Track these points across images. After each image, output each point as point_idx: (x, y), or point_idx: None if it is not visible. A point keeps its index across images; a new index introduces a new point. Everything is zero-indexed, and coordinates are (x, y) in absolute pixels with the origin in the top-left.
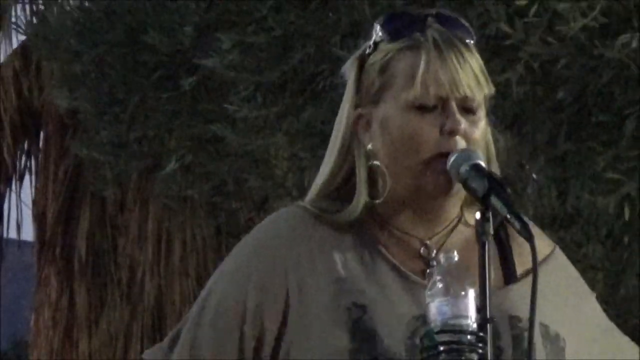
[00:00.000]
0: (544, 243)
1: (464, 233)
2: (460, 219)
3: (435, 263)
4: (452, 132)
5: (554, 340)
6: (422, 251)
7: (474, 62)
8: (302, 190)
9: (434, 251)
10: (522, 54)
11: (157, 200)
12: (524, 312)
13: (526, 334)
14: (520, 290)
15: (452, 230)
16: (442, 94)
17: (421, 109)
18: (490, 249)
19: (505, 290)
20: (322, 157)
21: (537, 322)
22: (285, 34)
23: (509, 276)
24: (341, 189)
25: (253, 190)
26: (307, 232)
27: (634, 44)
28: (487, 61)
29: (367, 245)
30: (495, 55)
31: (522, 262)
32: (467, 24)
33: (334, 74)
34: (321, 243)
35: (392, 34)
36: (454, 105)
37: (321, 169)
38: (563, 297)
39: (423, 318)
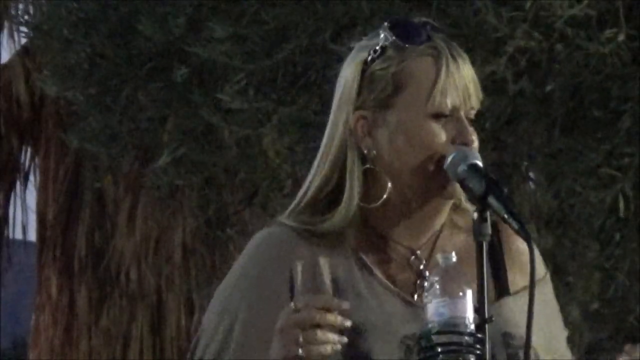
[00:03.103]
0: (540, 265)
1: (452, 239)
2: (443, 225)
3: (427, 273)
4: (466, 144)
5: None
6: (411, 260)
7: (473, 72)
8: (295, 183)
9: (424, 261)
10: (507, 48)
11: (149, 192)
12: (517, 328)
13: (521, 353)
14: (514, 305)
15: (437, 237)
16: (456, 103)
17: (436, 116)
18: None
19: (497, 304)
20: (314, 150)
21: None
22: (278, 26)
23: (501, 289)
24: (330, 196)
25: (245, 182)
26: (294, 254)
27: (620, 39)
28: (486, 59)
29: (356, 261)
30: (481, 47)
31: (521, 276)
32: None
33: (326, 67)
34: (308, 263)
35: (403, 39)
36: (463, 115)
37: (312, 174)
38: (544, 322)
39: (415, 337)
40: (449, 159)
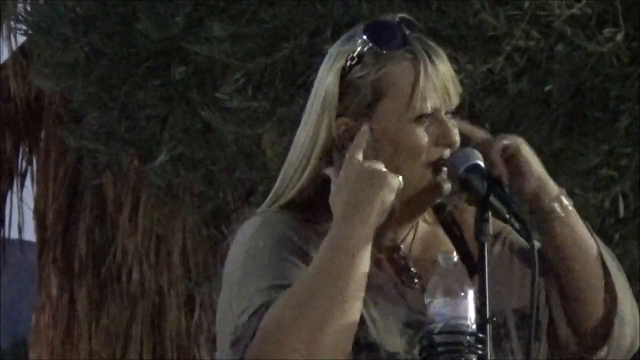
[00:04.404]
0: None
1: (423, 230)
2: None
3: (412, 264)
4: (448, 145)
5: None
6: (396, 255)
7: (451, 68)
8: None
9: (406, 253)
10: (505, 47)
11: (149, 191)
12: (496, 305)
13: (502, 331)
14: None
15: (415, 229)
16: (436, 105)
17: (419, 120)
18: (446, 242)
19: (474, 283)
20: None
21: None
22: (277, 25)
23: (474, 267)
24: (311, 198)
25: (243, 181)
26: (298, 232)
27: (619, 38)
28: (485, 59)
29: None
30: (480, 47)
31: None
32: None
33: None
34: (309, 246)
35: (380, 45)
36: (444, 115)
37: (289, 178)
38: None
39: (414, 324)
40: (450, 160)
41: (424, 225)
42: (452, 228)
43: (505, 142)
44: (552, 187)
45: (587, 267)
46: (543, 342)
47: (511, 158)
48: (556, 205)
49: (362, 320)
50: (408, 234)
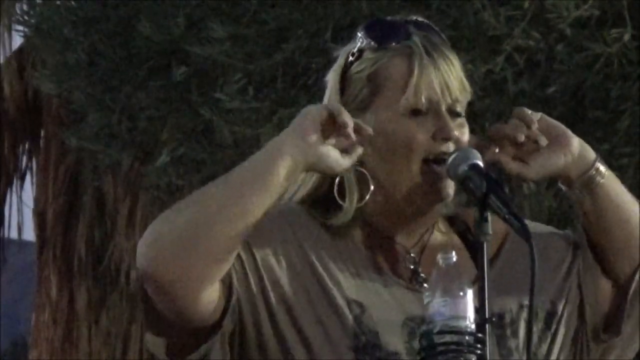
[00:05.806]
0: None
1: (437, 239)
2: (434, 225)
3: (421, 269)
4: (446, 139)
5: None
6: (407, 259)
7: (459, 67)
8: None
9: (417, 259)
10: (505, 46)
11: (147, 191)
12: (503, 306)
13: (509, 332)
14: (493, 281)
15: (428, 236)
16: (434, 98)
17: (414, 113)
18: (460, 249)
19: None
20: None
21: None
22: (278, 26)
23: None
24: (326, 195)
25: None
26: (307, 226)
27: (626, 39)
28: (485, 59)
29: (357, 250)
30: (480, 47)
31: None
32: (438, 30)
33: (326, 67)
34: (318, 240)
35: (379, 41)
36: (444, 110)
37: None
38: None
39: (417, 319)
40: (450, 159)
41: (438, 234)
42: (465, 235)
43: (535, 113)
44: (590, 148)
45: (629, 229)
46: (560, 334)
47: (548, 127)
48: (600, 166)
49: (362, 308)
50: (420, 240)
